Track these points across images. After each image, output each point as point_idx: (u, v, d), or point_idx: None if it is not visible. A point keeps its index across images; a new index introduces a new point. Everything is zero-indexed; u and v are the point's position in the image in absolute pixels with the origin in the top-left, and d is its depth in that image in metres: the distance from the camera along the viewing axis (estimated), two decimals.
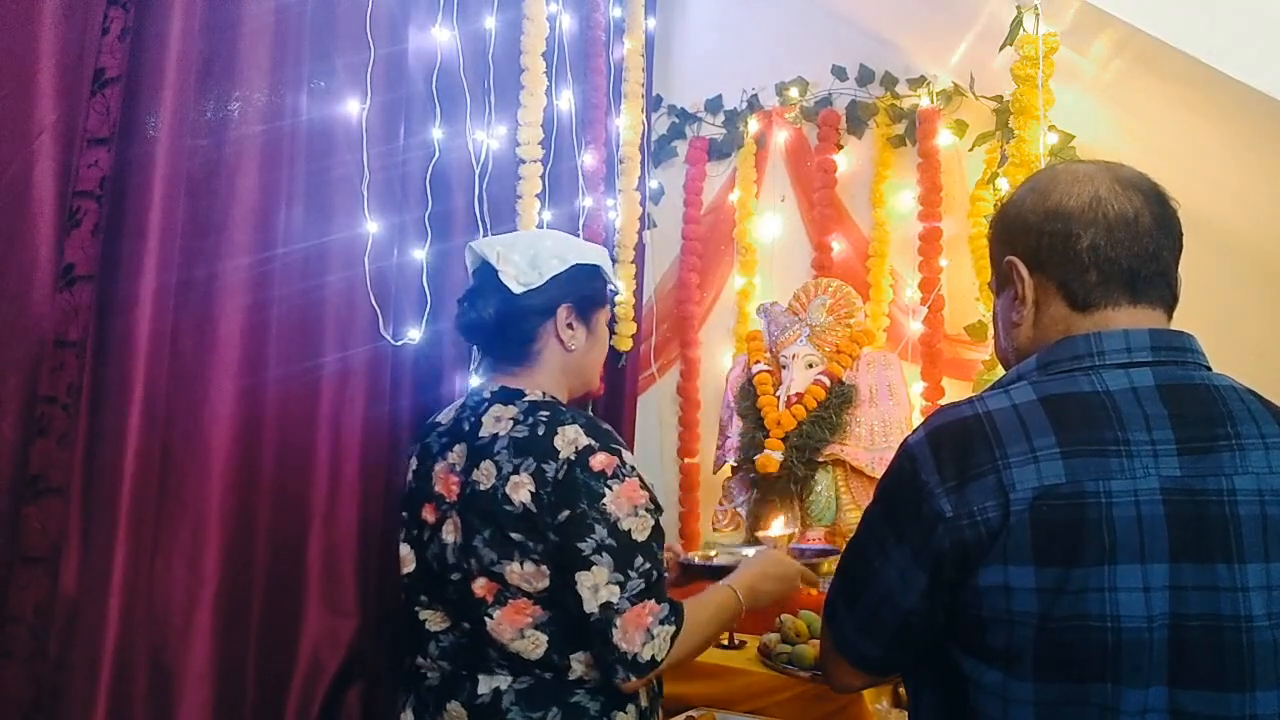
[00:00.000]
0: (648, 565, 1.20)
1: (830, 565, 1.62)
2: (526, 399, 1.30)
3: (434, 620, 1.31)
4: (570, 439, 1.22)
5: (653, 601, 1.20)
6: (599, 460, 1.21)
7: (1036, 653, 0.82)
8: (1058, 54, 2.13)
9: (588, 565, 1.18)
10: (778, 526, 1.69)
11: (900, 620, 0.92)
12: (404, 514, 1.36)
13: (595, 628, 1.19)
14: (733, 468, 2.66)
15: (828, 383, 2.52)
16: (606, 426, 1.28)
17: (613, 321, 2.67)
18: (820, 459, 2.47)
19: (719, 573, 1.48)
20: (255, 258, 1.46)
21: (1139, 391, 0.86)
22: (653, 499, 1.26)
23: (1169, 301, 0.95)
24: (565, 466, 1.21)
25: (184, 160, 1.33)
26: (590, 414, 1.30)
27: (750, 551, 1.62)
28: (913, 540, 0.89)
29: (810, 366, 2.57)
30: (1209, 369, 0.92)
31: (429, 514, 1.31)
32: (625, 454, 1.25)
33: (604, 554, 1.18)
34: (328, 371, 1.64)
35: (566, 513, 1.19)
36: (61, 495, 1.16)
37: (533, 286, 1.32)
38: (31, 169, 1.16)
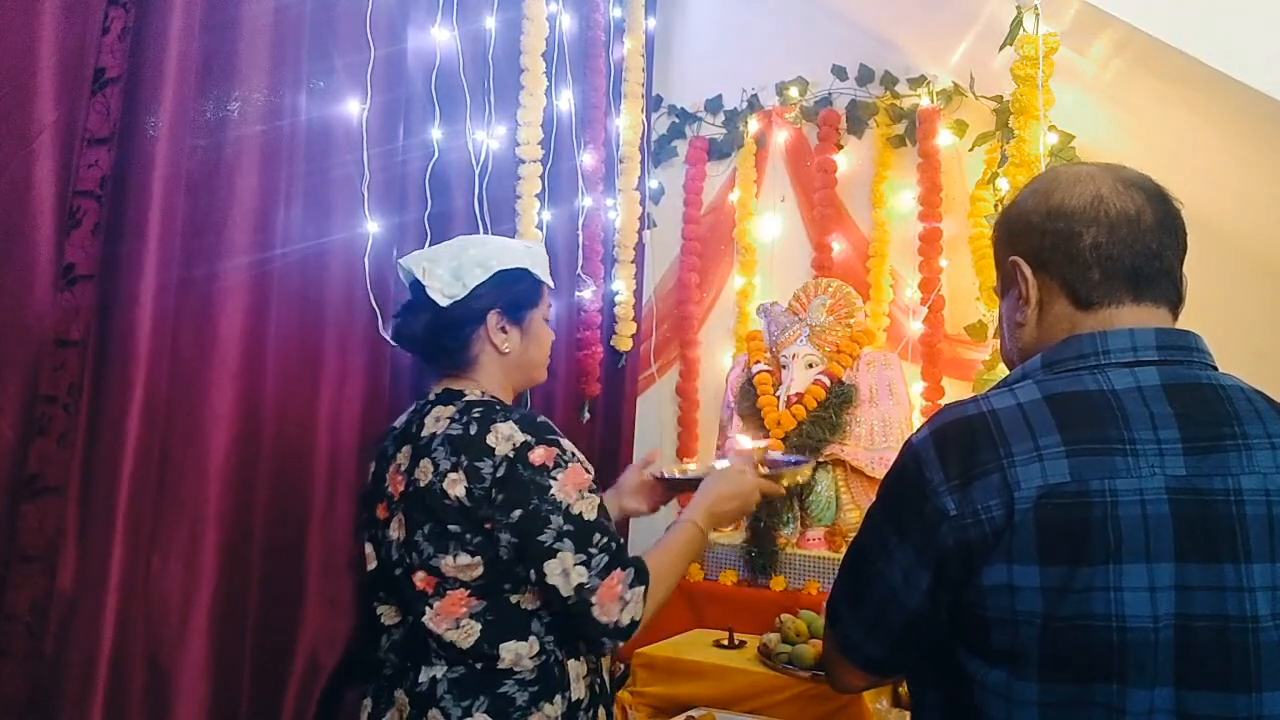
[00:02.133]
0: (605, 539, 1.27)
1: (795, 476, 1.62)
2: (465, 399, 1.35)
3: (387, 615, 1.35)
4: (505, 435, 1.27)
5: (618, 570, 1.27)
6: (538, 454, 1.26)
7: (1041, 653, 0.82)
8: (1058, 54, 2.13)
9: (553, 554, 1.24)
10: (745, 441, 1.68)
11: (904, 620, 0.92)
12: (364, 515, 1.42)
13: (575, 610, 1.25)
14: None
15: (828, 383, 2.52)
16: (543, 419, 1.32)
17: (611, 321, 2.68)
18: (820, 459, 2.47)
19: (698, 484, 1.53)
20: (255, 257, 1.46)
21: (1144, 390, 0.86)
22: (594, 479, 1.33)
23: (1174, 300, 0.94)
24: (504, 464, 1.25)
25: (184, 160, 1.34)
26: (528, 408, 1.35)
27: (724, 464, 1.62)
28: (916, 539, 0.89)
29: (810, 366, 2.57)
30: (1215, 369, 0.91)
31: (381, 512, 1.36)
32: (564, 442, 1.31)
33: (565, 539, 1.24)
34: (326, 371, 1.64)
35: (519, 511, 1.24)
36: (59, 494, 1.16)
37: (458, 298, 1.35)
38: (31, 169, 1.17)
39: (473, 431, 1.27)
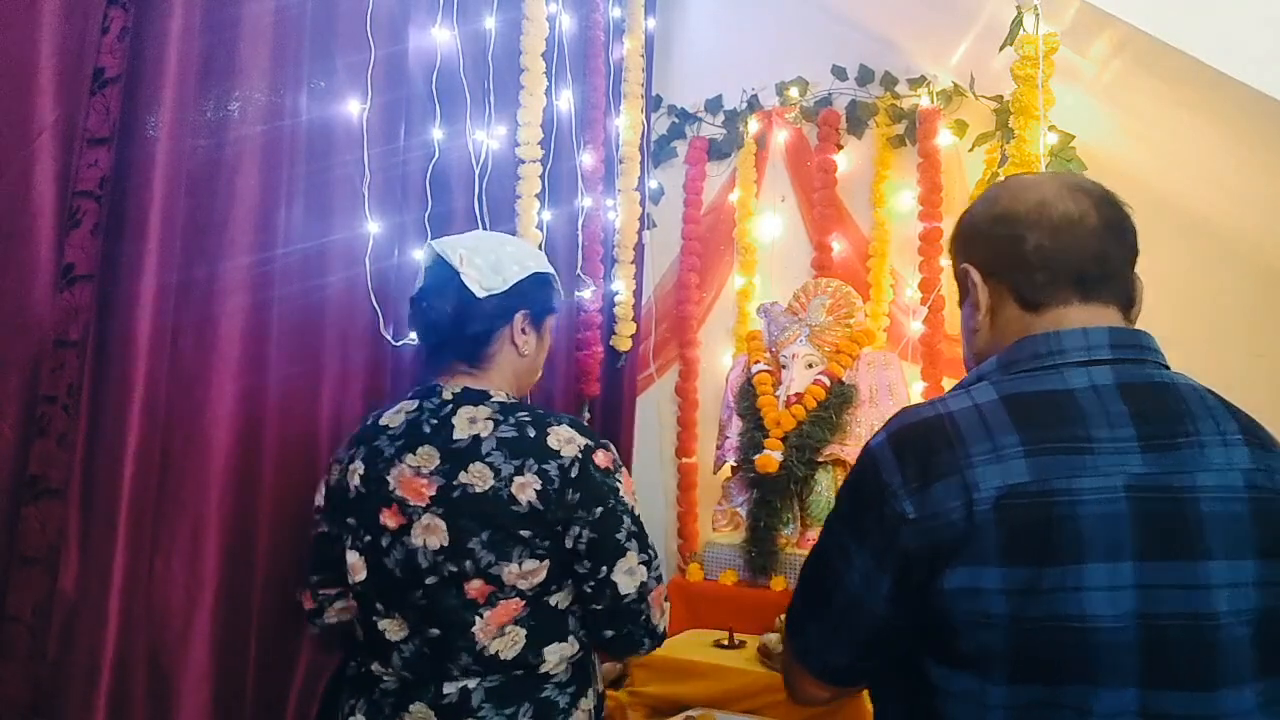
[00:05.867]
0: (652, 544, 1.33)
1: None
2: (496, 400, 1.32)
3: (393, 629, 1.29)
4: (566, 438, 1.27)
5: (663, 583, 1.34)
6: (601, 458, 1.28)
7: (1009, 656, 0.81)
8: (1058, 54, 2.13)
9: (623, 552, 1.28)
10: None
11: (866, 627, 0.91)
12: (349, 520, 1.32)
13: (631, 607, 1.29)
14: (732, 468, 2.66)
15: (828, 383, 2.52)
16: (586, 424, 1.35)
17: (611, 321, 2.68)
18: (820, 459, 2.47)
19: None
20: (255, 258, 1.46)
21: (1100, 389, 0.86)
22: None
23: (1123, 301, 0.94)
24: (575, 465, 1.25)
25: (184, 160, 1.33)
26: (566, 414, 1.36)
27: None
28: (876, 543, 0.88)
29: (810, 366, 2.57)
30: (1167, 367, 0.92)
31: (390, 519, 1.28)
32: (612, 446, 1.34)
33: (633, 540, 1.29)
34: (328, 371, 1.64)
35: (600, 509, 1.26)
36: (60, 496, 1.16)
37: (495, 291, 1.34)
38: (31, 169, 1.16)
39: (531, 435, 1.26)
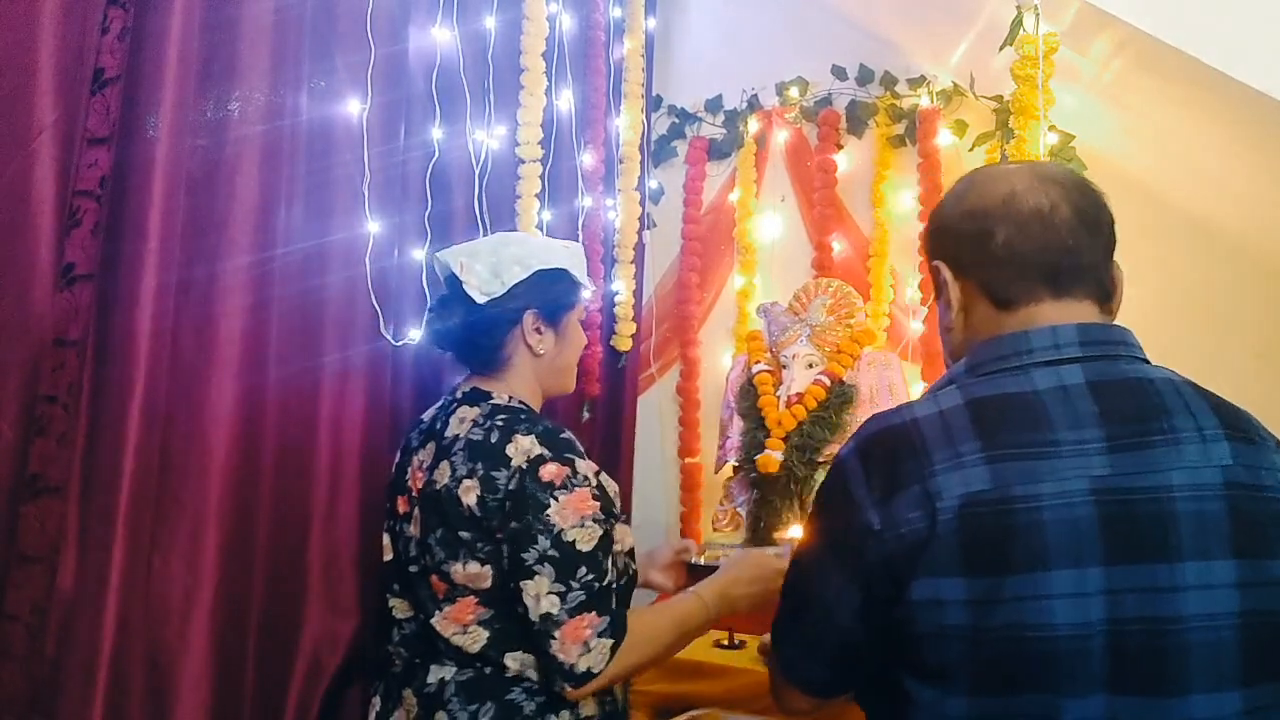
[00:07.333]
0: (590, 576, 1.20)
1: None
2: (491, 402, 1.33)
3: (400, 608, 1.36)
4: (524, 448, 1.24)
5: (593, 614, 1.20)
6: (548, 471, 1.22)
7: (972, 667, 0.80)
8: (1058, 54, 2.13)
9: (530, 575, 1.20)
10: (795, 531, 1.65)
11: (840, 640, 0.89)
12: (387, 505, 1.43)
13: (537, 637, 1.21)
14: (734, 468, 2.65)
15: (828, 383, 2.52)
16: (566, 435, 1.28)
17: (611, 321, 2.68)
18: (820, 459, 2.47)
19: None
20: (255, 257, 1.46)
21: (1069, 389, 0.84)
22: (605, 508, 1.26)
23: (1099, 295, 0.91)
24: (516, 476, 1.22)
25: (184, 160, 1.33)
26: (550, 423, 1.31)
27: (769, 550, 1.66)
28: (846, 556, 0.86)
29: (810, 366, 2.57)
30: (1145, 361, 0.89)
31: (402, 506, 1.37)
32: (580, 464, 1.25)
33: (545, 564, 1.19)
34: (328, 371, 1.64)
35: (515, 524, 1.21)
36: (60, 494, 1.16)
37: (495, 296, 1.33)
38: (31, 169, 1.16)
39: (493, 440, 1.25)
